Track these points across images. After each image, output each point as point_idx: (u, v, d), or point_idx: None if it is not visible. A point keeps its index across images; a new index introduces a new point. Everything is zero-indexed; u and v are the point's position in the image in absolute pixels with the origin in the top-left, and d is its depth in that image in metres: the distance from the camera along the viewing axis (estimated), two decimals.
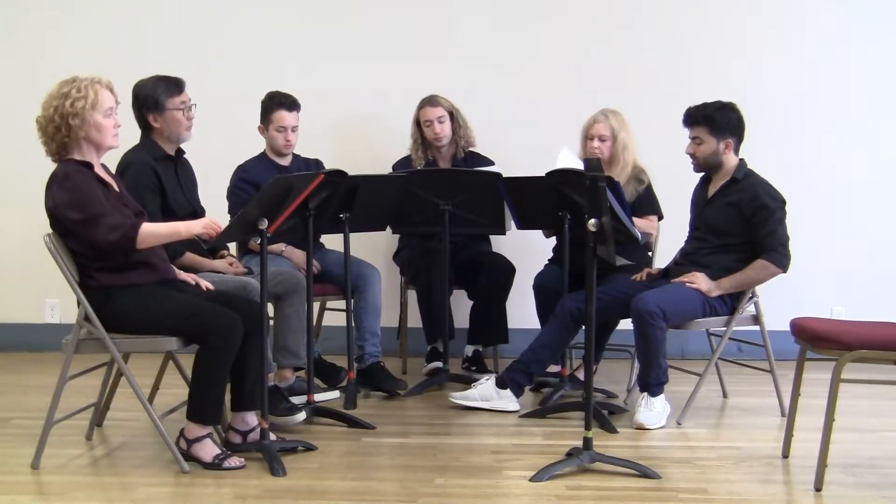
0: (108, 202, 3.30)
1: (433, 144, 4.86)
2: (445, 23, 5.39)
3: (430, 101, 4.83)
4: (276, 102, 4.46)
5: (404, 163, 4.93)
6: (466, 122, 4.91)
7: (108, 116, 3.32)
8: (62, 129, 3.26)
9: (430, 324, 4.74)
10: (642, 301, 3.85)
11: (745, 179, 4.00)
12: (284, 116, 4.46)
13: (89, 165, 3.33)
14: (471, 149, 4.93)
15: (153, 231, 3.32)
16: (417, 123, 4.87)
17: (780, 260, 3.91)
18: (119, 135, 3.40)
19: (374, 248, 5.15)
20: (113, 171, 3.63)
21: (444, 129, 4.81)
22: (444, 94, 4.89)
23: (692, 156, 4.08)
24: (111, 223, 3.24)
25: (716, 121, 3.98)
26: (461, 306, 4.98)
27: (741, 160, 4.06)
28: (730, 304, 4.02)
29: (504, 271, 4.78)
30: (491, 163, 4.86)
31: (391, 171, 4.88)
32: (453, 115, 4.85)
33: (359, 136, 5.39)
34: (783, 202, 3.95)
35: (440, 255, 4.55)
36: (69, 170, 3.28)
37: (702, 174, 4.19)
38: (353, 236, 4.21)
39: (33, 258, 4.63)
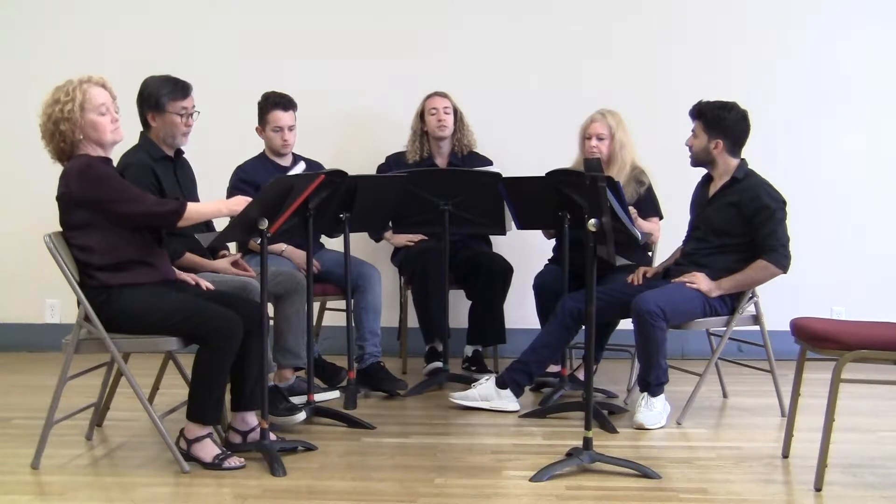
0: None
1: (433, 137, 4.88)
2: (445, 22, 5.39)
3: (439, 93, 4.90)
4: (272, 103, 4.46)
5: (397, 158, 4.95)
6: (468, 123, 4.95)
7: (102, 114, 3.31)
8: (56, 134, 3.29)
9: (427, 323, 4.75)
10: (643, 301, 3.85)
11: (746, 179, 4.00)
12: (280, 116, 4.46)
13: (107, 161, 3.37)
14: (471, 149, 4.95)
15: (198, 209, 3.44)
16: (421, 115, 4.89)
17: (781, 260, 3.91)
18: (120, 128, 3.39)
19: (374, 248, 5.15)
20: None
21: (449, 120, 4.86)
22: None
23: (690, 148, 4.11)
24: (154, 198, 3.36)
25: (708, 118, 4.00)
26: (459, 306, 4.98)
27: (742, 160, 4.06)
28: (730, 304, 4.02)
29: (502, 271, 4.78)
30: (489, 162, 4.86)
31: (384, 160, 4.96)
32: (457, 113, 4.89)
33: (358, 135, 5.39)
34: (784, 203, 3.95)
35: (436, 254, 4.56)
36: (91, 161, 3.30)
37: (703, 174, 4.20)
38: (353, 236, 4.21)
39: (33, 258, 4.63)
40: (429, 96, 4.90)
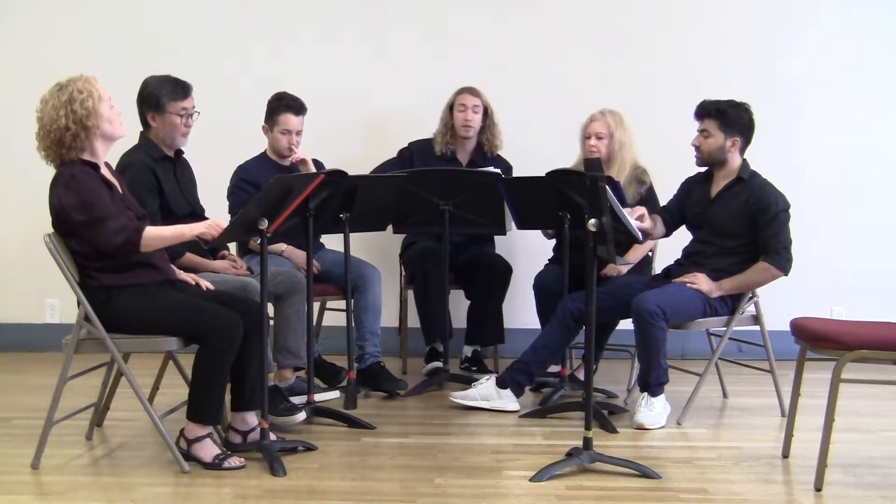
0: (113, 204, 3.30)
1: (458, 133, 4.82)
2: (445, 23, 5.38)
3: (471, 90, 4.81)
4: (284, 105, 4.42)
5: (421, 145, 4.91)
6: (498, 123, 4.87)
7: (111, 107, 3.33)
8: (81, 133, 3.24)
9: (427, 324, 4.74)
10: (643, 301, 3.85)
11: (751, 180, 4.00)
12: (290, 120, 4.43)
13: (95, 167, 3.33)
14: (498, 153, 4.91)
15: (157, 234, 3.33)
16: (451, 108, 4.84)
17: (782, 263, 3.91)
18: (123, 123, 3.39)
19: (374, 248, 5.15)
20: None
21: (476, 119, 4.79)
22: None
23: (697, 148, 4.08)
24: (116, 226, 3.24)
25: (728, 116, 3.98)
26: (461, 307, 4.98)
27: (744, 160, 4.06)
28: (730, 304, 4.02)
29: (500, 271, 4.78)
30: (510, 168, 4.83)
31: (407, 145, 4.92)
32: (487, 112, 4.84)
33: (359, 135, 5.38)
34: (788, 205, 3.94)
35: (438, 255, 4.55)
36: (76, 171, 3.27)
37: (698, 173, 4.19)
38: (353, 236, 4.21)
39: (33, 258, 4.63)
40: (459, 91, 4.82)
